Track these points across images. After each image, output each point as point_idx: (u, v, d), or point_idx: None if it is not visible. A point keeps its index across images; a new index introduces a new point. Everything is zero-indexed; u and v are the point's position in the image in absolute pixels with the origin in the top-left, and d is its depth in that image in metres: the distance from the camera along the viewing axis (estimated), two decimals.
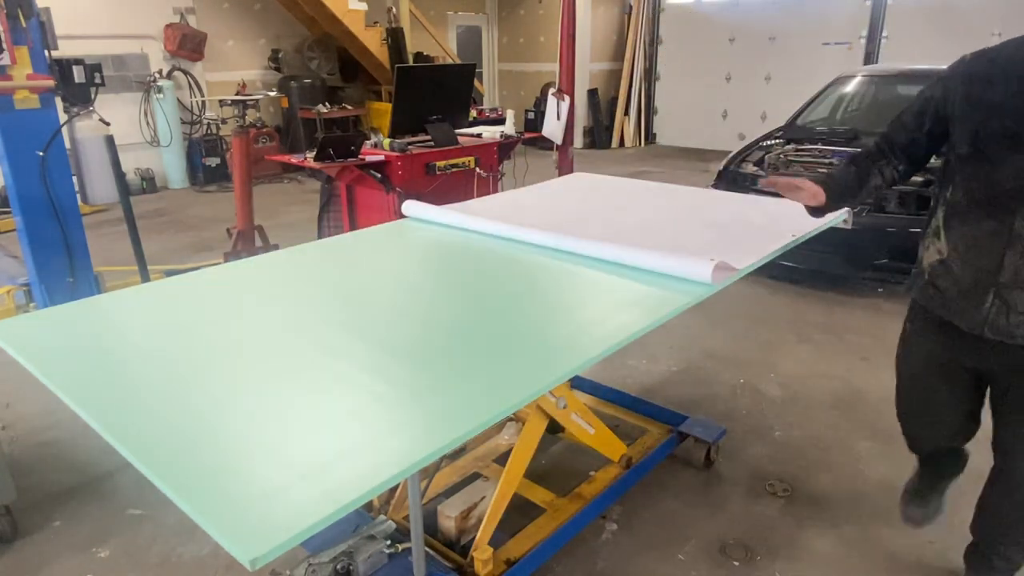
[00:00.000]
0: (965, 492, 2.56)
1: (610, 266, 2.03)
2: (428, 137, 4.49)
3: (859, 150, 1.99)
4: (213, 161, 8.80)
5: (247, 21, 9.39)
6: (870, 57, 9.44)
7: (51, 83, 3.56)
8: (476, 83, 7.45)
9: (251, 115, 8.72)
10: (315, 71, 9.59)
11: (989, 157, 1.60)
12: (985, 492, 2.04)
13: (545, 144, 6.09)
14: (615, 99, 11.98)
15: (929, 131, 1.78)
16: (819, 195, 1.92)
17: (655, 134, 12.42)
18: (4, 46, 3.32)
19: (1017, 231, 1.59)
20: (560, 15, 5.31)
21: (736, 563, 2.33)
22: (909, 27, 9.18)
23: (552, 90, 5.52)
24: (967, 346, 1.79)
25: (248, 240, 5.06)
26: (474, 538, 2.10)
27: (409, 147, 4.30)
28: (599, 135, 11.93)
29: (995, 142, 1.58)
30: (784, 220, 2.31)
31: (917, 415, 2.12)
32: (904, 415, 2.16)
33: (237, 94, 8.29)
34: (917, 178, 4.48)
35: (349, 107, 9.69)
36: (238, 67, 9.36)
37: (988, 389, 1.93)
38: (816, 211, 1.99)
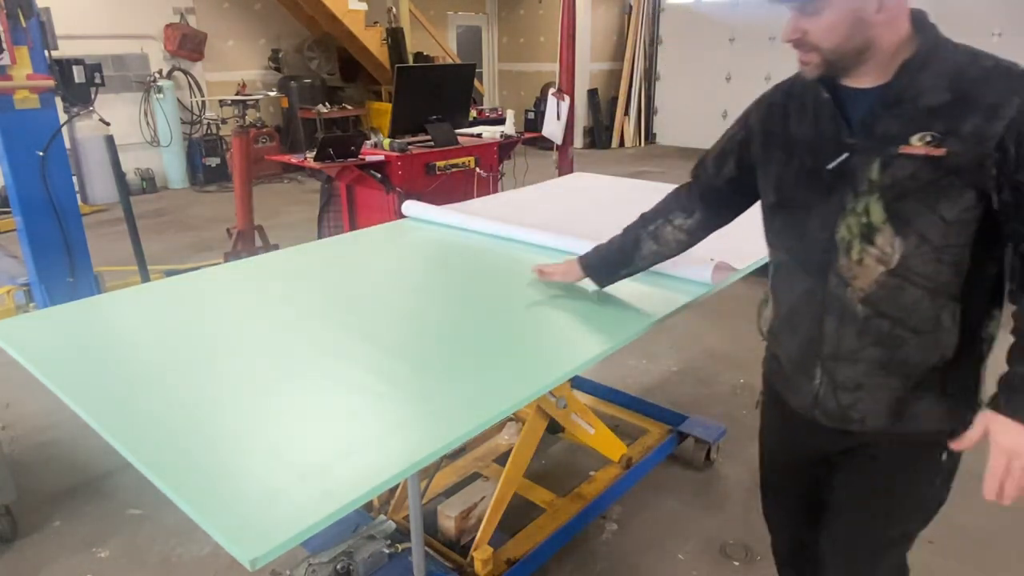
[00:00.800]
0: (965, 491, 2.55)
1: None
2: (428, 137, 4.49)
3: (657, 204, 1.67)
4: (213, 161, 8.80)
5: (247, 21, 9.39)
6: None
7: (51, 83, 3.56)
8: (476, 83, 7.44)
9: (251, 115, 8.72)
10: (315, 71, 9.59)
11: (795, 204, 1.32)
12: None
13: (545, 144, 6.09)
14: (615, 99, 11.98)
15: (731, 179, 1.48)
16: (570, 274, 1.79)
17: (655, 134, 12.41)
18: (4, 46, 3.32)
19: (832, 292, 1.28)
20: (560, 15, 5.31)
21: (736, 563, 2.33)
22: None
23: (552, 90, 5.52)
24: (804, 427, 1.43)
25: (248, 240, 5.06)
26: (474, 538, 2.10)
27: (409, 147, 4.30)
28: (599, 135, 11.93)
29: (799, 186, 1.30)
30: None
31: (770, 495, 1.71)
32: (761, 491, 1.73)
33: (237, 94, 8.30)
34: None
35: (349, 107, 9.68)
36: (238, 67, 9.36)
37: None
38: (601, 281, 1.79)
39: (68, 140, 3.92)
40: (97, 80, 3.88)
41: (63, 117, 3.77)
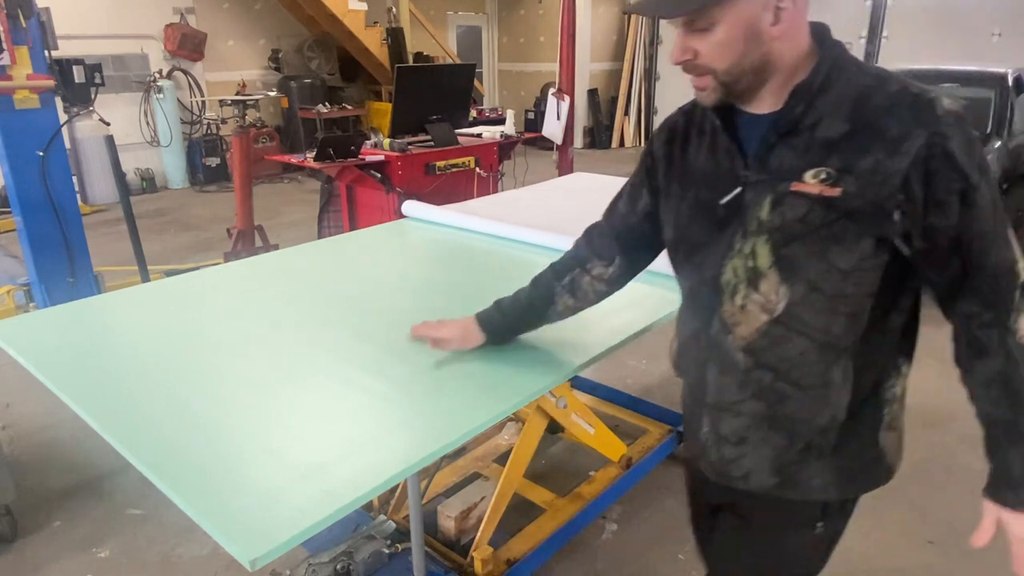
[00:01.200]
0: (965, 491, 2.56)
1: None
2: (428, 137, 4.49)
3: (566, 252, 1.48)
4: (213, 161, 8.80)
5: (247, 21, 9.39)
6: (870, 57, 9.43)
7: (51, 83, 3.56)
8: (476, 83, 7.45)
9: (251, 115, 8.71)
10: (315, 71, 9.59)
11: (691, 241, 1.18)
12: None
13: (545, 144, 6.09)
14: (615, 99, 11.97)
15: (648, 213, 1.30)
16: (469, 339, 1.49)
17: None
18: (4, 46, 3.32)
19: (714, 337, 1.15)
20: (560, 15, 5.31)
21: None
22: (909, 27, 9.17)
23: (552, 90, 5.52)
24: (700, 474, 1.30)
25: (248, 240, 5.06)
26: (474, 538, 2.10)
27: (409, 147, 4.30)
28: (599, 135, 11.93)
29: (695, 221, 1.16)
30: None
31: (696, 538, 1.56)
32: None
33: (237, 94, 8.28)
34: None
35: (349, 107, 9.68)
36: (238, 67, 9.36)
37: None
38: (503, 342, 1.54)
39: (68, 140, 3.94)
40: (97, 80, 3.88)
41: (63, 117, 3.78)
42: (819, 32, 1.05)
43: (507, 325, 1.51)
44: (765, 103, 1.06)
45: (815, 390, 1.09)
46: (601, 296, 1.45)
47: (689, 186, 1.18)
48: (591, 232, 1.44)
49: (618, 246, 1.38)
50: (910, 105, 0.98)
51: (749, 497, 1.21)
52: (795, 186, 1.02)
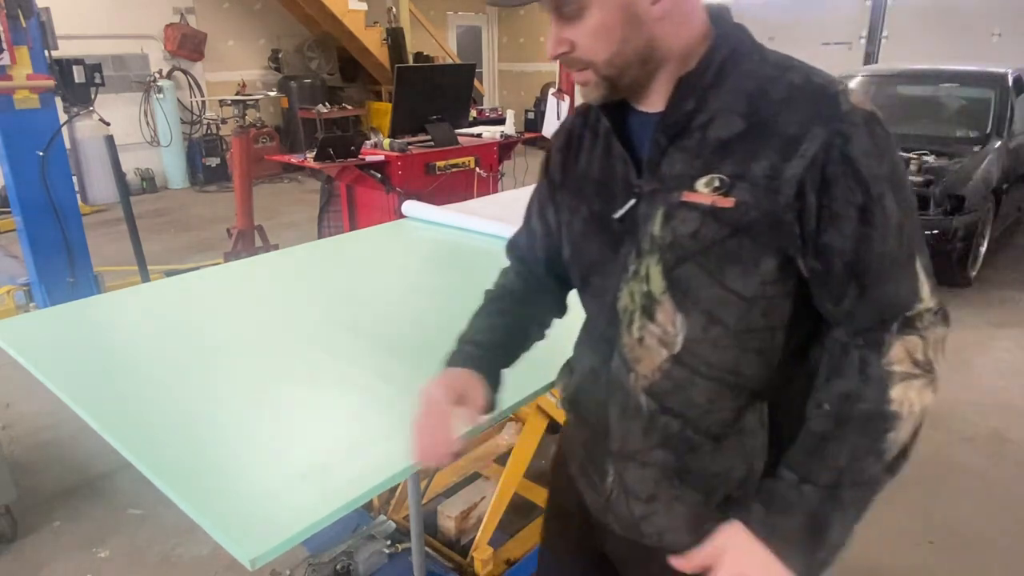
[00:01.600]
0: (965, 491, 2.57)
1: None
2: (428, 137, 4.49)
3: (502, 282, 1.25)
4: (213, 161, 8.80)
5: (247, 21, 9.39)
6: (870, 57, 9.43)
7: (51, 83, 3.56)
8: (476, 83, 7.45)
9: (251, 115, 8.71)
10: (315, 71, 9.60)
11: (586, 260, 1.02)
12: None
13: (545, 144, 6.06)
14: None
15: (559, 226, 1.10)
16: (478, 400, 1.03)
17: None
18: (4, 46, 3.32)
19: (615, 375, 0.98)
20: None
21: None
22: (909, 27, 9.17)
23: (552, 90, 5.52)
24: (596, 525, 1.12)
25: (248, 240, 5.06)
26: (474, 538, 2.09)
27: (409, 147, 4.30)
28: None
29: (589, 238, 1.00)
30: None
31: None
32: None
33: (237, 94, 8.30)
34: (916, 178, 4.51)
35: (349, 107, 9.68)
36: (238, 67, 9.36)
37: None
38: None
39: (68, 140, 3.93)
40: (97, 80, 3.88)
41: (63, 117, 3.78)
42: (717, 15, 0.91)
43: (496, 371, 1.12)
44: (659, 99, 0.91)
45: (728, 439, 0.94)
46: (564, 312, 1.20)
47: (583, 198, 1.01)
48: (515, 249, 1.24)
49: (544, 268, 1.17)
50: (811, 98, 0.83)
51: (663, 555, 0.96)
52: (686, 196, 0.87)
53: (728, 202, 0.84)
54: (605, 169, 0.98)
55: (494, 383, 1.09)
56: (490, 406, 1.06)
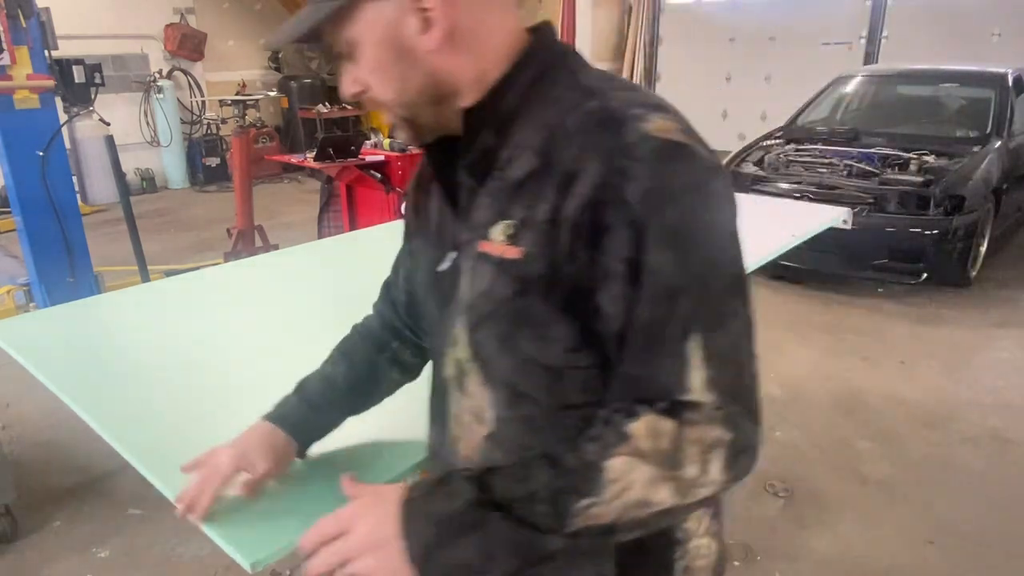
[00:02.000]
0: (964, 491, 2.57)
1: None
2: None
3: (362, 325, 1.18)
4: (213, 161, 8.81)
5: (247, 21, 9.39)
6: (870, 57, 9.43)
7: (51, 83, 3.56)
8: None
9: (251, 115, 8.71)
10: (315, 71, 9.60)
11: (426, 317, 0.93)
12: None
13: None
14: None
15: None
16: (259, 469, 0.97)
17: None
18: (4, 46, 3.32)
19: (447, 454, 0.88)
20: (560, 15, 5.31)
21: (736, 563, 2.33)
22: (909, 27, 9.17)
23: None
24: None
25: (248, 240, 5.06)
26: None
27: (409, 147, 4.31)
28: None
29: (428, 292, 0.90)
30: (784, 220, 2.32)
31: None
32: None
33: (237, 94, 8.30)
34: (916, 178, 4.51)
35: (349, 107, 9.67)
36: (238, 67, 9.36)
37: None
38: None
39: (68, 140, 3.94)
40: (97, 80, 3.88)
41: (63, 117, 3.78)
42: (537, 32, 0.78)
43: (322, 421, 1.06)
44: None
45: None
46: (414, 366, 1.09)
47: (427, 247, 0.88)
48: (388, 292, 1.15)
49: (405, 312, 1.07)
50: (595, 127, 0.69)
51: None
52: (481, 246, 0.75)
53: (516, 252, 0.71)
54: (440, 215, 0.86)
55: (307, 438, 1.03)
56: (283, 467, 1.00)
